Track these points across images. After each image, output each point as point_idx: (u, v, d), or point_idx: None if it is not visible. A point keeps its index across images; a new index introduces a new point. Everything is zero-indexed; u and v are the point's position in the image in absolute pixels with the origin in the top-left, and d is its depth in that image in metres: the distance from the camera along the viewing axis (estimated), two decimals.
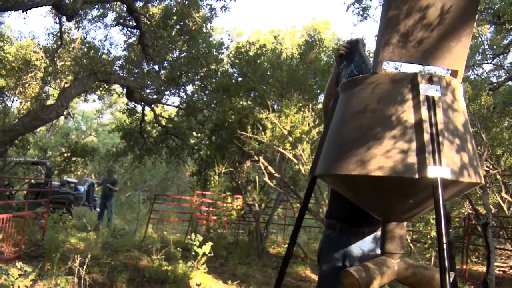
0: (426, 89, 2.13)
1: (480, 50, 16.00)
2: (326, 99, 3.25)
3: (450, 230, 2.95)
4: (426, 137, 2.03)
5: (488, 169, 8.52)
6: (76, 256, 4.98)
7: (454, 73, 2.36)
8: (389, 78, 2.22)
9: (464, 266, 9.26)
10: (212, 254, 7.03)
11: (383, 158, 2.07)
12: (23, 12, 8.13)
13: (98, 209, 13.98)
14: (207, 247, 6.69)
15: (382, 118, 2.14)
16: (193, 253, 6.71)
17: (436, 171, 1.98)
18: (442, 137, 2.04)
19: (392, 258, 2.39)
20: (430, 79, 2.16)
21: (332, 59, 12.35)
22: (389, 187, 2.15)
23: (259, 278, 7.80)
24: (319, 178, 2.60)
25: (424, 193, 2.10)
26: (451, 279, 2.43)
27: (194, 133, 17.53)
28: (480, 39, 15.30)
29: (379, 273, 2.32)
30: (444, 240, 1.94)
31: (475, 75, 16.49)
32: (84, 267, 4.91)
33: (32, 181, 13.80)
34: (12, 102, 17.51)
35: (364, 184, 2.20)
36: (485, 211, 7.69)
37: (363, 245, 3.07)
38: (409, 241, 10.48)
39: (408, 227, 12.67)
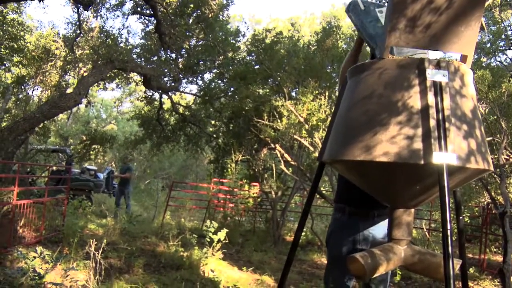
0: (433, 75, 2.10)
1: (503, 36, 15.60)
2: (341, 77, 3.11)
3: (461, 218, 2.89)
4: (432, 123, 2.02)
5: (508, 157, 8.37)
6: (92, 240, 5.08)
7: (463, 58, 2.32)
8: (396, 63, 2.19)
9: (482, 256, 9.15)
10: (227, 241, 7.10)
11: (388, 144, 2.06)
12: (40, 1, 8.23)
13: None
14: (222, 234, 6.75)
15: (388, 104, 2.13)
16: (208, 240, 6.77)
17: (442, 157, 1.96)
18: (449, 123, 2.02)
19: (399, 245, 2.39)
20: (438, 65, 2.14)
21: (351, 47, 12.22)
22: (394, 173, 2.14)
23: (274, 265, 7.85)
24: (327, 164, 2.60)
25: (430, 179, 2.08)
26: (459, 266, 2.42)
27: (212, 121, 17.59)
28: (503, 25, 14.93)
29: (385, 259, 2.31)
30: (448, 227, 1.92)
31: (497, 62, 16.12)
32: (100, 251, 5.00)
33: (53, 168, 14.05)
34: (33, 90, 17.80)
35: (370, 170, 2.19)
36: (503, 200, 7.57)
37: (377, 230, 3.05)
38: (425, 230, 10.40)
39: (425, 216, 12.56)
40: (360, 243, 3.05)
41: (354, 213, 3.05)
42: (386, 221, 3.03)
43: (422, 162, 1.99)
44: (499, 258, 10.35)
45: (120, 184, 12.95)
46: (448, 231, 1.92)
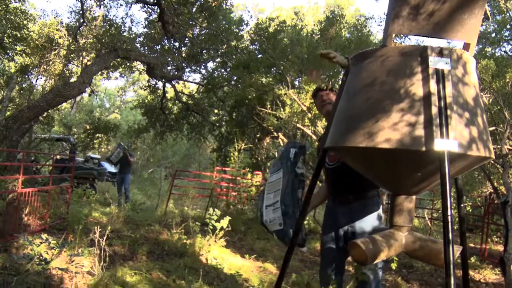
0: (435, 62, 2.11)
1: (508, 26, 15.48)
2: None
3: (462, 206, 2.94)
4: (434, 110, 2.03)
5: (511, 147, 8.37)
6: (97, 227, 5.13)
7: (466, 46, 2.33)
8: (399, 51, 2.20)
9: (484, 246, 9.18)
10: (230, 229, 7.14)
11: (390, 130, 2.07)
12: None
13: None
14: (224, 222, 6.79)
15: (390, 91, 2.14)
16: (211, 228, 6.81)
17: (443, 144, 1.98)
18: (451, 111, 2.03)
19: (400, 231, 2.42)
20: (440, 52, 2.15)
21: (354, 36, 12.20)
22: (396, 160, 2.16)
23: (276, 253, 7.90)
24: (329, 150, 2.62)
25: (432, 166, 2.10)
26: (459, 253, 2.45)
27: (215, 110, 17.61)
28: (508, 14, 14.81)
29: (386, 245, 2.34)
30: (449, 213, 1.95)
31: (502, 52, 16.02)
32: (105, 238, 5.05)
33: (57, 157, 14.12)
34: (37, 79, 17.82)
35: (372, 156, 2.21)
36: (505, 190, 7.58)
37: (364, 223, 3.20)
38: (427, 219, 10.43)
39: (427, 205, 12.59)
40: (342, 227, 3.27)
41: (334, 199, 3.33)
42: (373, 215, 3.21)
43: (423, 148, 2.01)
44: (501, 248, 10.38)
45: (121, 172, 12.86)
46: (449, 217, 1.95)
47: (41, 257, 4.05)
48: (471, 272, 7.40)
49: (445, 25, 2.24)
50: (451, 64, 2.14)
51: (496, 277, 7.50)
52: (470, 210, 11.28)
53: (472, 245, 10.24)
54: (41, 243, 4.28)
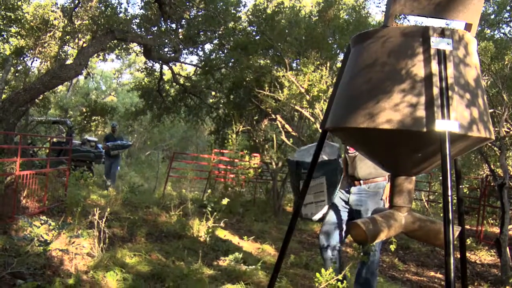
0: (437, 43, 2.10)
1: (508, 7, 15.32)
2: None
3: (461, 187, 2.96)
4: (436, 91, 2.03)
5: (508, 130, 8.38)
6: (95, 209, 5.14)
7: (468, 27, 2.32)
8: (400, 31, 2.19)
9: (480, 228, 9.27)
10: (230, 211, 7.17)
11: (391, 111, 2.07)
12: None
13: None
14: (224, 202, 6.83)
15: (391, 72, 2.14)
16: (210, 209, 6.84)
17: (444, 125, 1.98)
18: (452, 91, 2.03)
19: (399, 212, 2.43)
20: (442, 33, 2.13)
21: (352, 18, 12.11)
22: (397, 140, 2.17)
23: (274, 234, 7.96)
24: (329, 131, 2.62)
25: (433, 147, 2.11)
26: (458, 233, 2.47)
27: (213, 92, 17.53)
28: None
29: (386, 225, 2.36)
30: (449, 193, 1.96)
31: (501, 34, 15.89)
32: (104, 220, 5.07)
33: (54, 139, 14.07)
34: (32, 62, 17.64)
35: (373, 137, 2.22)
36: (502, 172, 7.62)
37: (369, 205, 3.91)
38: (425, 202, 10.49)
39: (424, 188, 12.66)
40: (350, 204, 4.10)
41: (349, 180, 4.10)
42: (356, 188, 4.03)
43: (424, 129, 2.01)
44: (496, 230, 10.48)
45: (111, 156, 12.40)
46: (449, 198, 1.95)
47: (41, 239, 4.07)
48: (467, 253, 7.47)
49: (447, 5, 2.22)
50: (453, 45, 2.13)
51: (492, 259, 7.60)
52: (467, 192, 11.34)
53: (468, 227, 10.32)
54: (41, 224, 4.29)
